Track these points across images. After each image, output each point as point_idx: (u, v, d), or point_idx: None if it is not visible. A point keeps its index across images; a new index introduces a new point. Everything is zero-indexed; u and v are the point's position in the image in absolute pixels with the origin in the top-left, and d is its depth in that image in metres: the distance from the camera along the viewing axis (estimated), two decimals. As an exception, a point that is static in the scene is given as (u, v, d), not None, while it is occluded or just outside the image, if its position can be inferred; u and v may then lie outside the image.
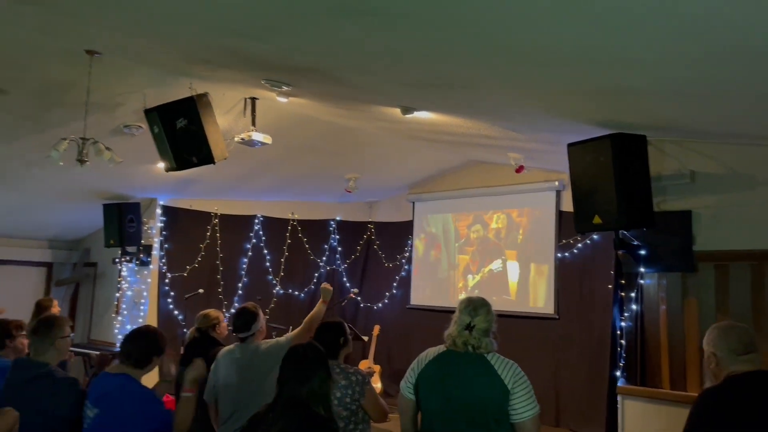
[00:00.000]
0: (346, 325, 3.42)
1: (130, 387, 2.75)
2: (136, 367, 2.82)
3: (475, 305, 2.73)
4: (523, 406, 2.57)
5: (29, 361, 2.88)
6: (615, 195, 4.05)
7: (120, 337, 7.93)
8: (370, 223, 9.31)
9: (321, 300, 4.01)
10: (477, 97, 4.01)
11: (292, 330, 4.14)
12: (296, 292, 8.70)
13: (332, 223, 9.11)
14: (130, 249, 7.62)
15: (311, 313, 3.91)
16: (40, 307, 6.50)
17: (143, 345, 2.86)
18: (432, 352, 2.79)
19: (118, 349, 7.48)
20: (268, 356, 3.42)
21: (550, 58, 2.93)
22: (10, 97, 4.54)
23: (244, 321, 3.58)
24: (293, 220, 8.76)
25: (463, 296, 2.90)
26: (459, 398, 2.61)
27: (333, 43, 3.12)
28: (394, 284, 8.80)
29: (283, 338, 3.65)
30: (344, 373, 3.14)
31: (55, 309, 6.45)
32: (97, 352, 7.60)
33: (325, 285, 4.19)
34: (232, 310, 8.01)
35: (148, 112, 4.54)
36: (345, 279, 9.10)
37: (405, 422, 2.83)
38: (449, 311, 2.86)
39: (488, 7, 2.36)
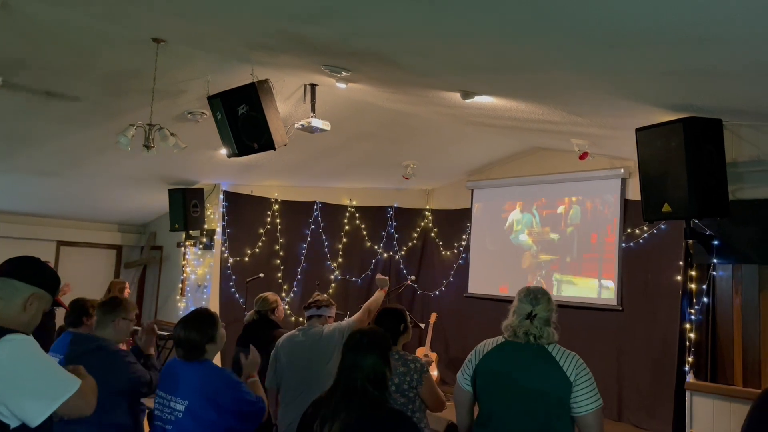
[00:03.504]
0: (406, 312, 3.42)
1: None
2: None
3: (536, 294, 2.66)
4: (586, 399, 2.48)
5: (85, 336, 2.99)
6: (687, 182, 3.86)
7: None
8: (427, 210, 9.26)
9: (380, 288, 4.08)
10: (540, 80, 3.89)
11: (350, 316, 4.20)
12: (354, 278, 8.75)
13: (390, 209, 9.10)
14: (193, 233, 7.83)
15: (370, 299, 3.98)
16: (112, 289, 6.79)
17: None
18: (490, 343, 2.72)
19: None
20: (331, 338, 3.55)
21: (618, 38, 2.79)
22: (82, 84, 4.70)
23: (320, 302, 3.74)
24: (351, 207, 8.80)
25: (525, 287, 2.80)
26: (519, 391, 2.54)
27: (390, 26, 3.08)
28: (452, 272, 8.73)
29: (344, 322, 3.72)
30: (402, 360, 3.12)
31: (127, 291, 6.74)
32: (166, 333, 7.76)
33: (379, 275, 4.30)
34: (291, 295, 8.15)
35: (212, 99, 4.61)
36: (402, 266, 9.10)
37: (461, 414, 2.78)
38: (507, 301, 2.81)
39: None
